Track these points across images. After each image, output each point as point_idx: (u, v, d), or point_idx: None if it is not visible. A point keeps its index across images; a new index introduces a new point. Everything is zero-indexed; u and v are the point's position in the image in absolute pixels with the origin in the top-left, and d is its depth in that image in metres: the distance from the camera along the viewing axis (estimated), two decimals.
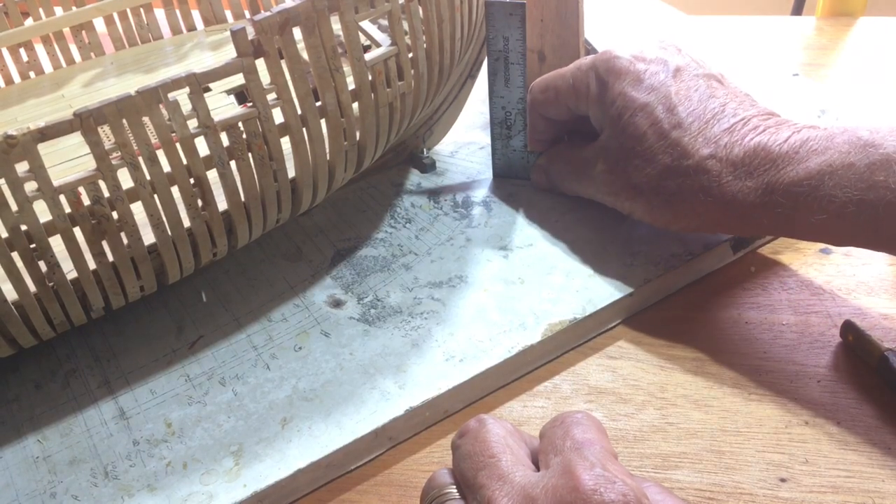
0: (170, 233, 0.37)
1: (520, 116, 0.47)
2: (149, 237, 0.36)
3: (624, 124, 0.42)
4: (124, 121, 0.33)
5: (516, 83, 0.45)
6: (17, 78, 0.59)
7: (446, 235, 0.47)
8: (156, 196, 0.35)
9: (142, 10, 0.61)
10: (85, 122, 0.32)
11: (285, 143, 0.37)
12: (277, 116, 0.37)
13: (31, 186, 0.32)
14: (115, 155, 0.33)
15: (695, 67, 0.43)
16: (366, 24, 0.49)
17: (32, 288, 0.35)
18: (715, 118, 0.40)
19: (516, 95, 0.46)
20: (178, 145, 0.35)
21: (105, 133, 0.33)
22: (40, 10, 0.58)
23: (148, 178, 0.34)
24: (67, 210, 0.34)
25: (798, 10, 1.01)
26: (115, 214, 0.35)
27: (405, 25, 0.40)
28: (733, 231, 0.43)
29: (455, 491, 0.30)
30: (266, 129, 0.36)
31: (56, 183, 0.32)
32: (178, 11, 0.62)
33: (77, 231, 0.34)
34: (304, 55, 0.36)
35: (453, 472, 0.31)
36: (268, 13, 0.34)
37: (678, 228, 0.42)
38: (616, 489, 0.25)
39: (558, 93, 0.45)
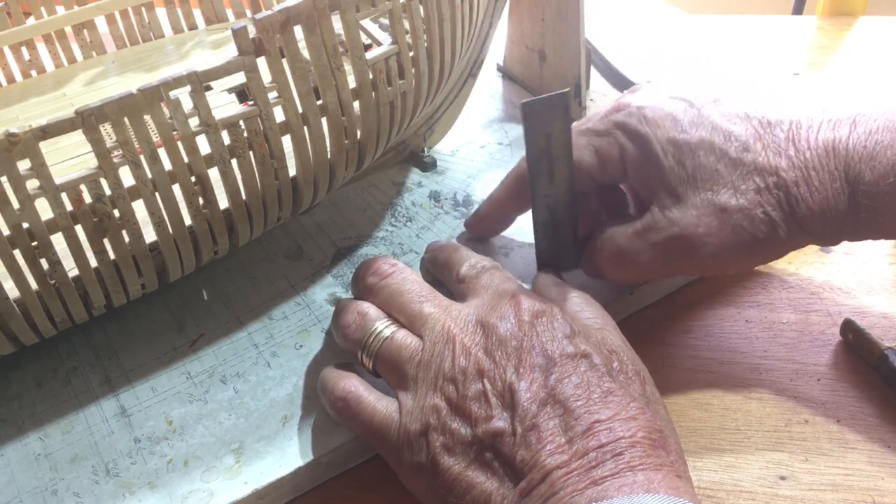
0: (171, 231, 0.37)
1: (567, 210, 0.40)
2: (150, 235, 0.37)
3: (691, 173, 0.37)
4: (126, 119, 0.33)
5: (562, 176, 0.39)
6: (18, 76, 0.59)
7: (447, 234, 0.47)
8: (157, 194, 0.35)
9: (143, 8, 0.61)
10: (87, 121, 0.32)
11: (286, 141, 0.37)
12: (278, 115, 0.37)
13: (32, 184, 0.32)
14: (116, 153, 0.33)
15: (706, 95, 0.39)
16: (367, 23, 0.49)
17: (34, 285, 0.35)
18: (765, 129, 0.37)
19: (563, 188, 0.39)
20: (179, 143, 0.35)
21: (107, 131, 0.33)
22: (42, 8, 0.58)
23: (149, 176, 0.34)
24: (69, 208, 0.34)
25: (799, 9, 1.01)
26: (116, 212, 0.35)
27: (406, 24, 0.40)
28: (828, 241, 0.38)
29: (394, 323, 0.36)
30: (267, 128, 0.36)
31: (58, 181, 0.33)
32: (179, 10, 0.62)
33: (79, 229, 0.34)
34: (306, 54, 0.36)
35: (376, 306, 0.37)
36: (269, 12, 0.34)
37: (786, 253, 0.37)
38: (537, 299, 0.35)
39: (579, 169, 0.39)
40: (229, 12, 0.63)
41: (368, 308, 0.37)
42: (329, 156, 0.40)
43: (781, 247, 0.36)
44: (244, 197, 0.38)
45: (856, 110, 0.37)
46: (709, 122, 0.37)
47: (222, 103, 0.51)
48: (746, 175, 0.36)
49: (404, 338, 0.35)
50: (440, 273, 0.42)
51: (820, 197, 0.35)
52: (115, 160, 0.33)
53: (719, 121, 0.37)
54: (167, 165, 0.35)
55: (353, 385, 0.35)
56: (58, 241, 0.34)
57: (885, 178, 0.34)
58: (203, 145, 0.35)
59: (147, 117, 0.33)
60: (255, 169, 0.37)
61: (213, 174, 0.36)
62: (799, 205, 0.35)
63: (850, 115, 0.36)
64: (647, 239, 0.37)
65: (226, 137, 0.36)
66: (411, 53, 0.41)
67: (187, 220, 0.37)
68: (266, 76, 0.35)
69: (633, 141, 0.38)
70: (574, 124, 0.40)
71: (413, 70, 0.41)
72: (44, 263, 0.34)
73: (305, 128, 0.38)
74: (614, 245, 0.39)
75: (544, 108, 0.37)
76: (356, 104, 0.39)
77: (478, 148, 0.55)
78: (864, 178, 0.34)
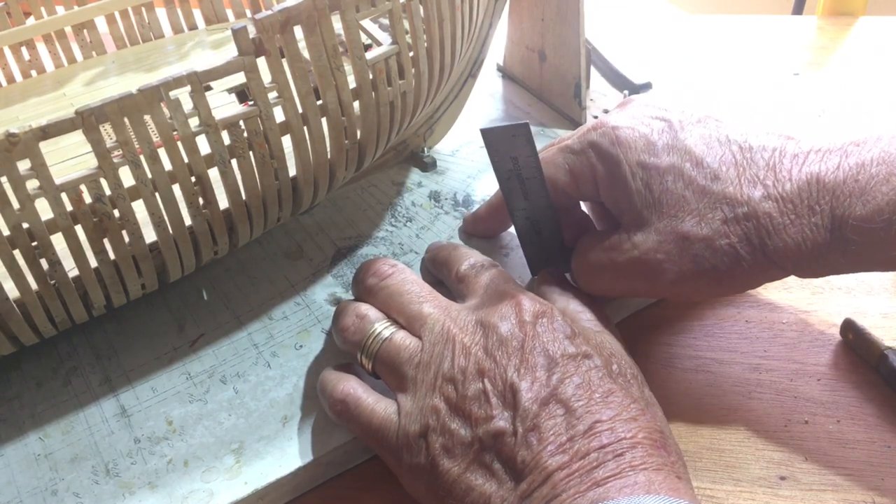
0: (171, 231, 0.37)
1: (548, 221, 0.41)
2: (150, 235, 0.37)
3: (657, 198, 0.36)
4: (126, 119, 0.33)
5: (537, 193, 0.39)
6: (18, 76, 0.59)
7: (447, 234, 0.47)
8: (157, 194, 0.35)
9: (143, 8, 0.61)
10: (87, 121, 0.32)
11: (286, 141, 0.38)
12: (278, 115, 0.37)
13: (32, 184, 0.32)
14: (116, 153, 0.33)
15: (690, 115, 0.38)
16: (367, 23, 0.49)
17: (34, 286, 0.35)
18: (744, 155, 0.36)
19: (539, 203, 0.40)
20: (179, 144, 0.35)
21: (106, 131, 0.34)
22: (42, 8, 0.58)
23: (149, 176, 0.34)
24: (69, 208, 0.34)
25: (799, 9, 1.01)
26: (116, 212, 0.35)
27: (406, 24, 0.40)
28: (806, 274, 0.36)
29: (393, 324, 0.37)
30: (267, 128, 0.36)
31: (58, 181, 0.33)
32: (179, 10, 0.62)
33: (79, 229, 0.34)
34: (306, 54, 0.36)
35: (376, 307, 0.38)
36: (269, 12, 0.34)
37: (755, 285, 0.37)
38: (537, 300, 0.35)
39: (554, 187, 0.39)
40: (229, 12, 0.63)
41: (367, 310, 0.37)
42: (329, 156, 0.40)
43: (747, 279, 0.35)
44: (244, 197, 0.38)
45: (849, 139, 0.35)
46: (682, 147, 0.36)
47: (222, 103, 0.51)
48: (714, 204, 0.35)
49: (403, 339, 0.35)
50: (440, 271, 0.42)
51: (795, 230, 0.34)
52: (115, 160, 0.33)
53: (694, 146, 0.36)
54: (167, 165, 0.35)
55: (351, 387, 0.35)
56: (58, 241, 0.34)
57: (880, 213, 0.32)
58: (203, 145, 0.35)
59: (147, 117, 0.33)
60: (255, 169, 0.37)
61: (213, 174, 0.36)
62: (770, 237, 0.34)
63: (841, 144, 0.35)
64: (611, 258, 0.37)
65: (226, 137, 0.36)
66: (411, 53, 0.41)
67: (187, 220, 0.37)
68: (266, 76, 0.35)
69: (604, 162, 0.38)
70: (555, 140, 0.41)
71: (413, 70, 0.41)
72: (44, 263, 0.34)
73: (305, 128, 0.38)
74: (585, 258, 0.39)
75: (505, 136, 0.38)
76: (356, 104, 0.39)
77: (478, 148, 0.55)
78: (854, 213, 0.32)
